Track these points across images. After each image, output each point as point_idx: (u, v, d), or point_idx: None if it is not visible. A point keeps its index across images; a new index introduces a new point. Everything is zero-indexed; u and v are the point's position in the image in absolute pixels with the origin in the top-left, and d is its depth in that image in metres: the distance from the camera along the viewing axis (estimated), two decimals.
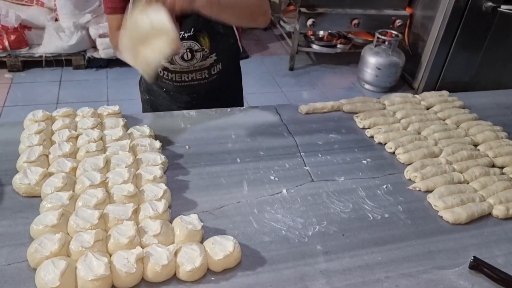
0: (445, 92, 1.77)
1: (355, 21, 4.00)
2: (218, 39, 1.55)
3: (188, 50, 1.53)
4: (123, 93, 3.45)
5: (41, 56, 3.73)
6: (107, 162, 1.16)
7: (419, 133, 1.50)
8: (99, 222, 0.98)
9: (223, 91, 1.70)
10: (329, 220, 1.13)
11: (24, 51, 3.73)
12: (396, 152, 1.40)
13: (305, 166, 1.32)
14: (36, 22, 3.77)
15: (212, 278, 0.94)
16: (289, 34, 4.53)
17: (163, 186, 1.10)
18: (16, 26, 3.60)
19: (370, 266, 1.01)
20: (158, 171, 1.14)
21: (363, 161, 1.36)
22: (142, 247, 0.93)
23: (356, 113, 1.60)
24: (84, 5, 3.81)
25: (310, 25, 3.90)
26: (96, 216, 0.98)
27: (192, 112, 1.51)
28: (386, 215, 1.16)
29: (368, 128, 1.51)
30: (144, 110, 1.81)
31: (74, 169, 1.14)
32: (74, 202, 1.04)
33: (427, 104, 1.69)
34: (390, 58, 3.87)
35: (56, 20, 3.84)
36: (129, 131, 1.31)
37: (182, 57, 1.54)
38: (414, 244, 1.09)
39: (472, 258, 1.02)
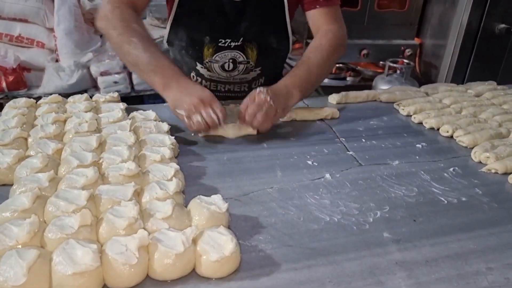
0: (493, 82, 1.55)
1: (364, 51, 3.87)
2: (268, 53, 1.34)
3: (230, 61, 1.32)
4: None
5: (39, 97, 3.57)
6: (102, 143, 0.92)
7: (476, 117, 1.26)
8: (89, 205, 0.71)
9: None
10: (392, 205, 0.86)
11: (22, 92, 3.57)
12: (455, 135, 1.15)
13: (348, 151, 1.07)
14: (35, 63, 3.64)
15: (248, 275, 0.66)
16: None
17: (174, 165, 0.84)
18: (14, 66, 3.47)
19: (461, 256, 0.73)
20: (167, 151, 0.89)
21: (417, 145, 1.11)
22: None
23: (394, 102, 1.37)
24: (85, 45, 3.70)
25: None
26: (84, 196, 0.71)
27: None
28: (463, 199, 0.90)
29: (414, 114, 1.27)
30: None
31: (59, 151, 0.89)
32: (56, 185, 0.77)
33: (475, 93, 1.46)
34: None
35: (57, 61, 3.72)
36: (131, 115, 1.07)
37: (222, 67, 1.33)
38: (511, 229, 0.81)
39: None
